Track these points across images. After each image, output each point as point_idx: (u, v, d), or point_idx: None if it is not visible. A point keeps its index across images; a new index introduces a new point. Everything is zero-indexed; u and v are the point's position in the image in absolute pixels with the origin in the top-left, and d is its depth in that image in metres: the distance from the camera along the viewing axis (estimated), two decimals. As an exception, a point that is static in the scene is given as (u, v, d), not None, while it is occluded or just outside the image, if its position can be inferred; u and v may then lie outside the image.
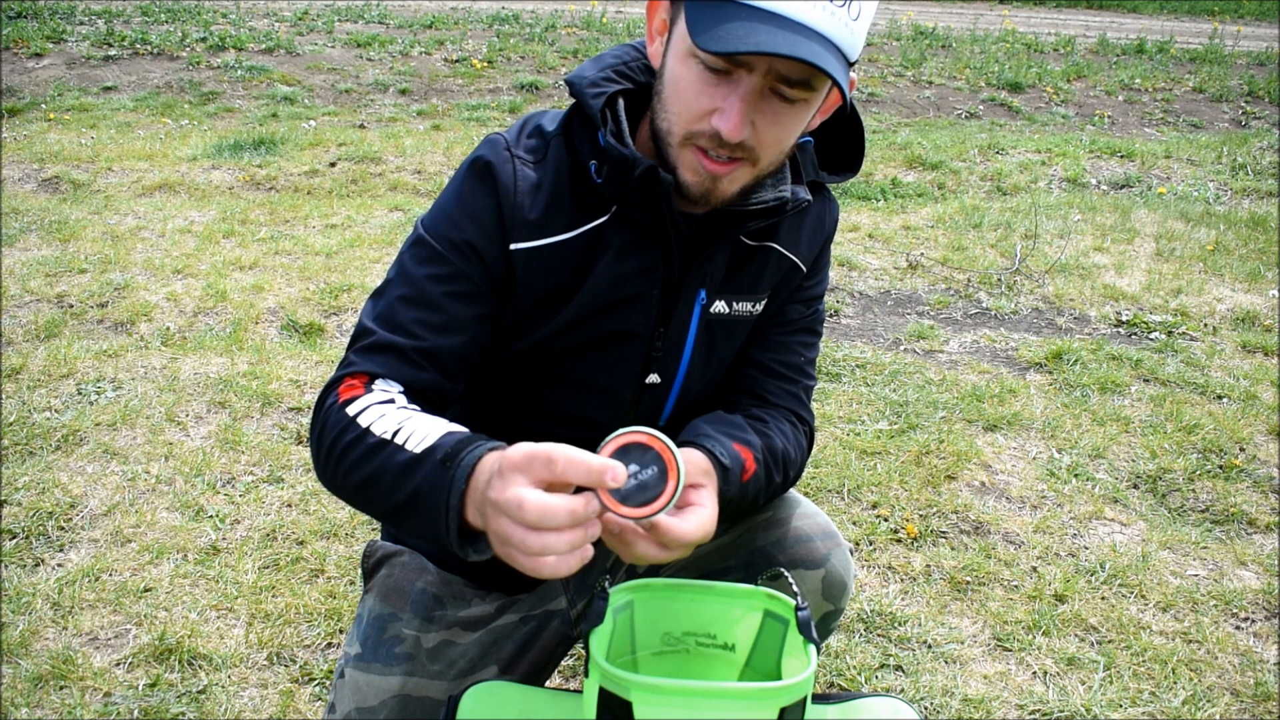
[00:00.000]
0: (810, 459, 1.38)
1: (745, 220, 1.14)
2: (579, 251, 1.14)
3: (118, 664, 1.85)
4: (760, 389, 1.28)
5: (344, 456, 1.00)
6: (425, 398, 1.09)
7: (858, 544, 2.36)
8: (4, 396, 2.76)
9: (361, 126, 6.55)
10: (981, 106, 8.34)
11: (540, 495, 0.81)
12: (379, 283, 1.16)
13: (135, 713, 1.74)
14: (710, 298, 1.20)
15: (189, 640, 1.90)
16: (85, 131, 5.95)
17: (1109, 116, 8.38)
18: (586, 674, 0.93)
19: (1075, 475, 2.72)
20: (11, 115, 6.33)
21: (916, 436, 2.85)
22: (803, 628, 0.99)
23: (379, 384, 1.05)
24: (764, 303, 1.26)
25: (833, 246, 1.36)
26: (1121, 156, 6.61)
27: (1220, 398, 3.23)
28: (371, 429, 0.98)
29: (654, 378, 1.22)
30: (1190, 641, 2.09)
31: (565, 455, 0.82)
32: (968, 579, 2.24)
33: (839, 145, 1.22)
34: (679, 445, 0.97)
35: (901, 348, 3.55)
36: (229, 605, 2.02)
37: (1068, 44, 10.79)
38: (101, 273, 3.68)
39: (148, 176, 5.13)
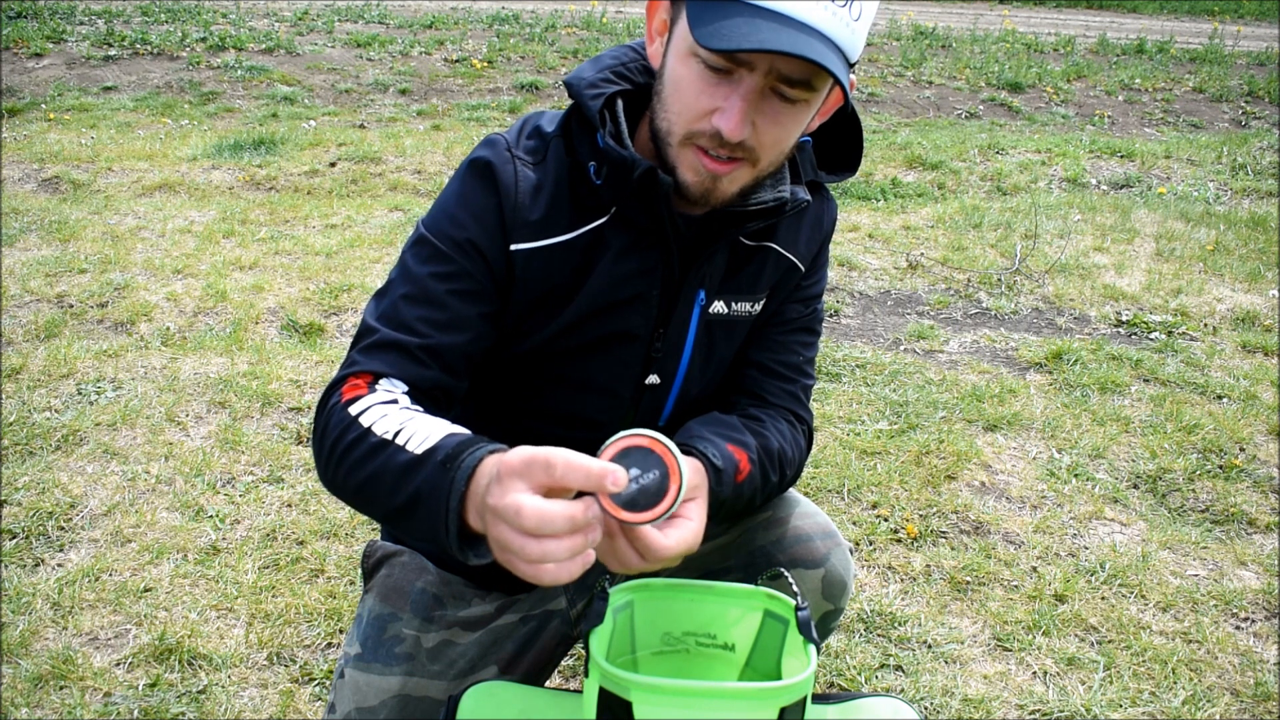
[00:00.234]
0: (810, 459, 1.38)
1: (745, 221, 1.14)
2: (579, 253, 1.14)
3: (118, 664, 1.85)
4: (758, 388, 1.28)
5: (345, 456, 0.99)
6: (431, 396, 1.08)
7: (858, 544, 2.36)
8: (4, 396, 2.76)
9: (361, 126, 6.56)
10: (981, 106, 8.34)
11: (538, 502, 0.80)
12: (379, 283, 1.16)
13: (135, 713, 1.74)
14: (709, 298, 1.20)
15: (189, 640, 1.90)
16: (85, 131, 5.95)
17: (1109, 116, 8.38)
18: (586, 674, 0.93)
19: (1075, 475, 2.72)
20: (11, 115, 6.33)
21: (916, 436, 2.85)
22: (803, 628, 0.99)
23: (383, 383, 1.05)
24: (763, 302, 1.26)
25: (832, 246, 1.36)
26: (1121, 156, 6.61)
27: (1220, 398, 3.23)
28: (373, 429, 0.98)
29: (653, 378, 1.22)
30: (1190, 641, 2.09)
31: (564, 460, 0.81)
32: (968, 579, 2.24)
33: (837, 145, 1.22)
34: None
35: (901, 348, 3.55)
36: (229, 605, 2.02)
37: (1068, 44, 10.79)
38: (101, 273, 3.68)
39: (148, 176, 5.13)
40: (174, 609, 2.00)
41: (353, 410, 1.01)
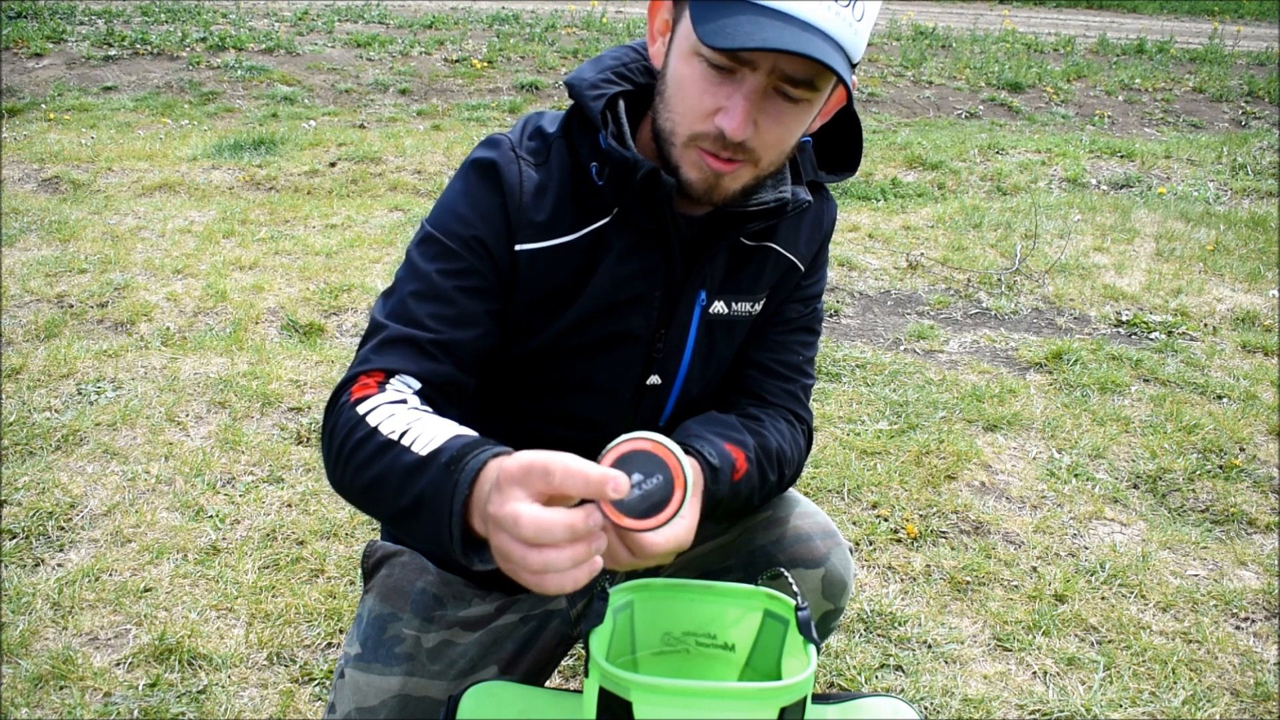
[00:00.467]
0: (810, 459, 1.38)
1: (746, 221, 1.14)
2: (581, 254, 1.14)
3: (118, 664, 1.85)
4: (758, 388, 1.28)
5: (352, 457, 0.98)
6: (443, 391, 1.08)
7: (858, 544, 2.36)
8: (4, 396, 2.76)
9: (361, 126, 6.56)
10: (981, 106, 8.34)
11: (537, 511, 0.78)
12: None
13: (135, 713, 1.74)
14: (710, 298, 1.20)
15: (189, 640, 1.90)
16: (85, 131, 5.95)
17: (1109, 116, 8.38)
18: (586, 674, 0.93)
19: (1075, 475, 2.72)
20: (11, 115, 6.33)
21: (916, 436, 2.85)
22: (803, 627, 0.99)
23: (393, 382, 1.04)
24: (763, 303, 1.26)
25: (832, 246, 1.36)
26: (1121, 156, 6.61)
27: (1220, 398, 3.23)
28: (380, 429, 0.97)
29: (654, 379, 1.22)
30: (1190, 641, 2.09)
31: (563, 466, 0.78)
32: (968, 579, 2.24)
33: (837, 145, 1.22)
34: None
35: (901, 348, 3.55)
36: (229, 605, 2.02)
37: (1068, 44, 10.79)
38: (101, 273, 3.68)
39: (148, 176, 5.13)
40: (174, 609, 2.00)
41: (360, 409, 1.00)
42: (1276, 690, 1.96)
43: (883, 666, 1.97)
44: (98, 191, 4.89)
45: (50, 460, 2.47)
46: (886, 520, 2.44)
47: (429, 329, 1.08)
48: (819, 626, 1.33)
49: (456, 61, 8.24)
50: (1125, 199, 5.70)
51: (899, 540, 2.38)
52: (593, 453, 0.87)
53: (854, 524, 2.43)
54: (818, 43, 0.94)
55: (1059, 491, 2.64)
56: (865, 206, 5.37)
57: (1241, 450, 2.89)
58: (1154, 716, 1.88)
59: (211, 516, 2.30)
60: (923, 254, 4.48)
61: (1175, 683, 1.96)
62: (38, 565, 2.11)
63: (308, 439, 2.66)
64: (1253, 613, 2.20)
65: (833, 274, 4.18)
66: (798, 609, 1.01)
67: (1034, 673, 1.98)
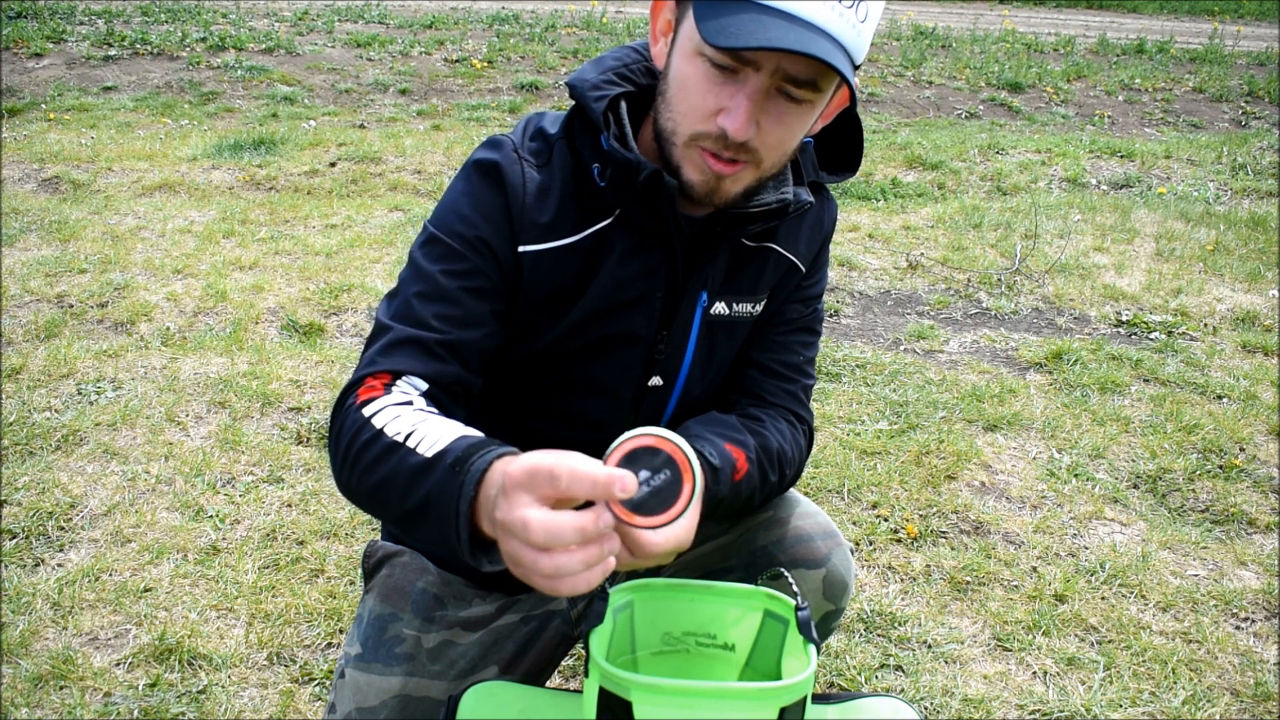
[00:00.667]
0: (810, 459, 1.38)
1: (748, 223, 1.14)
2: (583, 255, 1.14)
3: (118, 664, 1.85)
4: (758, 388, 1.28)
5: (358, 459, 0.98)
6: (450, 392, 1.08)
7: (858, 544, 2.36)
8: (4, 396, 2.76)
9: (361, 126, 6.56)
10: (981, 106, 8.34)
11: (546, 516, 0.77)
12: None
13: (135, 713, 1.74)
14: (711, 299, 1.20)
15: (189, 640, 1.90)
16: (85, 131, 5.95)
17: (1109, 116, 8.38)
18: (586, 674, 0.93)
19: (1075, 475, 2.72)
20: (11, 115, 6.33)
21: (916, 436, 2.85)
22: (803, 628, 0.99)
23: (400, 384, 1.04)
24: (763, 303, 1.26)
25: (832, 246, 1.36)
26: (1121, 156, 6.61)
27: (1220, 398, 3.23)
28: (385, 430, 0.96)
29: (656, 380, 1.22)
30: (1190, 641, 2.09)
31: (569, 469, 0.77)
32: (968, 579, 2.24)
33: (838, 145, 1.23)
34: None
35: (901, 348, 3.55)
36: (229, 605, 2.02)
37: (1068, 44, 10.79)
38: (101, 273, 3.68)
39: (148, 176, 5.13)
40: (174, 609, 2.00)
41: (366, 412, 0.99)
42: (1276, 690, 1.96)
43: (883, 666, 1.97)
44: (98, 191, 4.89)
45: (50, 460, 2.47)
46: (886, 520, 2.44)
47: (435, 330, 1.07)
48: (819, 627, 1.33)
49: (456, 61, 8.24)
50: (1125, 199, 5.70)
51: (899, 540, 2.38)
52: (597, 453, 0.87)
53: (854, 524, 2.43)
54: (821, 43, 0.94)
55: (1059, 491, 2.64)
56: (865, 206, 5.37)
57: (1241, 450, 2.89)
58: (1154, 716, 1.88)
59: (211, 516, 2.30)
60: (923, 254, 4.48)
61: (1175, 683, 1.96)
62: (38, 565, 2.11)
63: (308, 439, 2.66)
64: (1253, 613, 2.20)
65: (833, 274, 4.18)
66: (798, 609, 1.01)
67: (1034, 673, 1.98)
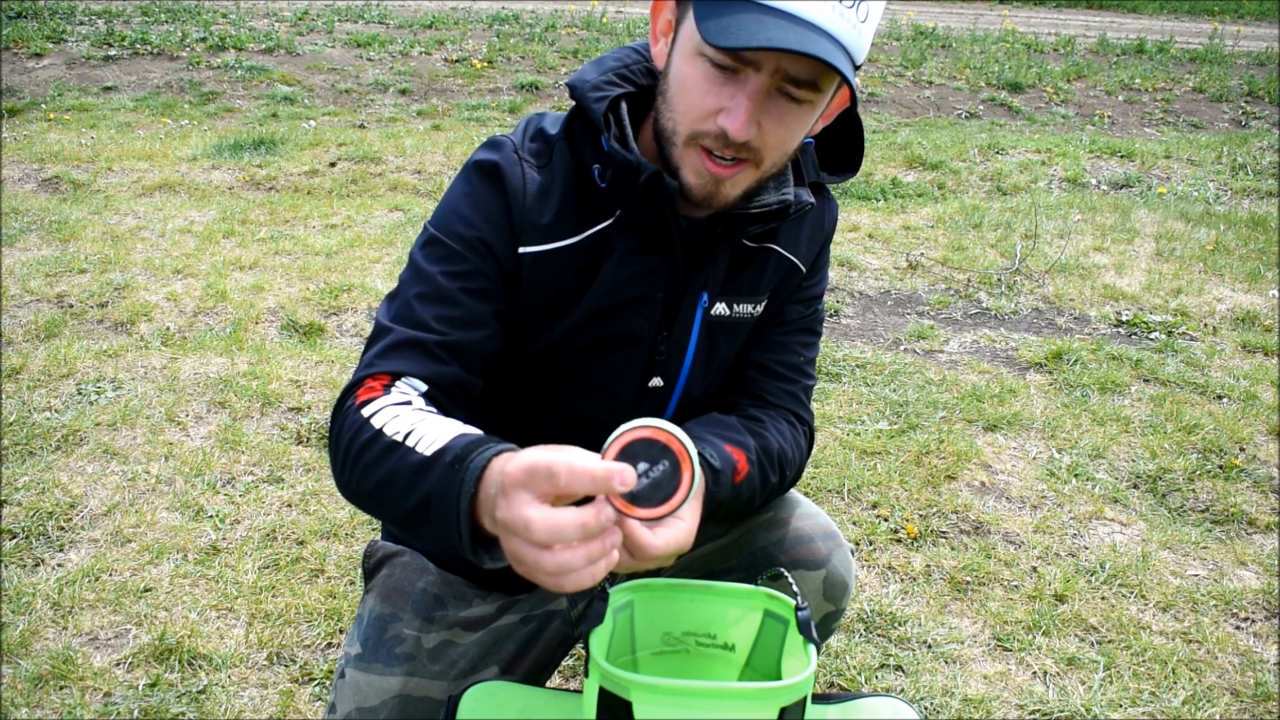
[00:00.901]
0: (810, 459, 1.38)
1: (748, 223, 1.14)
2: (584, 255, 1.14)
3: (118, 664, 1.85)
4: (759, 389, 1.28)
5: (358, 459, 0.98)
6: (450, 393, 1.08)
7: (858, 544, 2.36)
8: (4, 396, 2.76)
9: (361, 126, 6.56)
10: (981, 106, 8.34)
11: (547, 513, 0.77)
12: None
13: (135, 713, 1.74)
14: (712, 300, 1.20)
15: (189, 640, 1.90)
16: (85, 131, 5.95)
17: (1109, 116, 8.38)
18: (586, 674, 0.93)
19: (1075, 475, 2.72)
20: (11, 115, 6.33)
21: (916, 436, 2.85)
22: (803, 628, 0.99)
23: (399, 385, 1.04)
24: (764, 304, 1.26)
25: (832, 246, 1.36)
26: (1121, 156, 6.61)
27: (1220, 398, 3.23)
28: (385, 430, 0.96)
29: (656, 381, 1.22)
30: (1190, 641, 2.09)
31: (567, 466, 0.77)
32: (968, 579, 2.24)
33: (838, 145, 1.22)
34: None
35: (901, 348, 3.55)
36: (229, 605, 2.02)
37: (1068, 44, 10.79)
38: (101, 273, 3.68)
39: (148, 176, 5.13)
40: (174, 609, 2.00)
41: (365, 412, 0.99)
42: (1276, 690, 1.96)
43: (883, 666, 1.97)
44: (98, 191, 4.89)
45: (50, 460, 2.47)
46: (886, 520, 2.44)
47: (435, 331, 1.07)
48: (820, 627, 1.33)
49: (456, 61, 8.24)
50: (1125, 199, 5.70)
51: (899, 540, 2.38)
52: (597, 451, 0.87)
53: (854, 524, 2.43)
54: (822, 43, 0.94)
55: (1059, 491, 2.64)
56: (865, 206, 5.37)
57: (1241, 450, 2.89)
58: (1154, 716, 1.88)
59: (211, 516, 2.30)
60: (923, 254, 4.48)
61: (1175, 683, 1.96)
62: (38, 565, 2.11)
63: (308, 439, 2.66)
64: (1253, 613, 2.20)
65: (833, 274, 4.18)
66: (798, 609, 1.01)
67: (1034, 673, 1.98)
